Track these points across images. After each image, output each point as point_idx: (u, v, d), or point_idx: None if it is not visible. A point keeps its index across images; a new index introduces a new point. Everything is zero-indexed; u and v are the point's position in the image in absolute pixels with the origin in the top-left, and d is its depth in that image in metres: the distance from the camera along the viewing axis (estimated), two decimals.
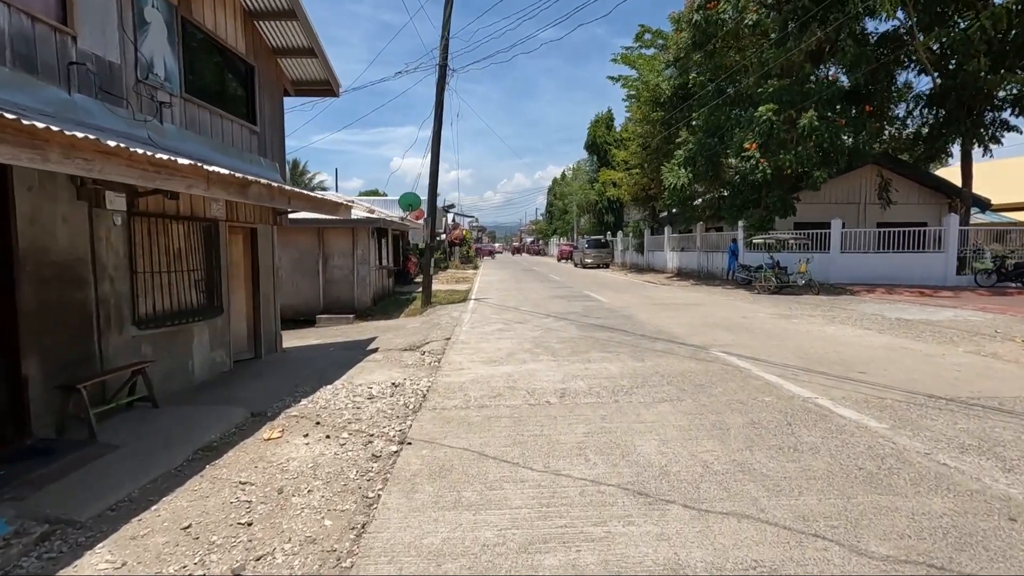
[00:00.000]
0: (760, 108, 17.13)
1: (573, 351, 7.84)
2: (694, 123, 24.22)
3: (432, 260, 14.41)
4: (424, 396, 5.80)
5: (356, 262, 13.81)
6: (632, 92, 28.91)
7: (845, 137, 16.27)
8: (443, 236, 43.28)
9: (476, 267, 38.36)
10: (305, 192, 7.28)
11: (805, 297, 15.73)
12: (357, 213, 13.85)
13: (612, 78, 28.52)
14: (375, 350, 9.10)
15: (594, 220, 45.36)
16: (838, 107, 17.48)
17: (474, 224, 77.97)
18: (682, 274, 26.39)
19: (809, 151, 16.92)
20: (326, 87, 9.73)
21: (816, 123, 16.22)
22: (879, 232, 19.08)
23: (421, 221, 27.80)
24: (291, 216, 13.15)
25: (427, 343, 9.10)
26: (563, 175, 69.88)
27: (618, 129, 42.52)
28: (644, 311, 12.44)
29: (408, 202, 15.98)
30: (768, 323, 10.44)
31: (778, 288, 16.85)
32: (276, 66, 8.83)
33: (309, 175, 62.34)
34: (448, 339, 9.20)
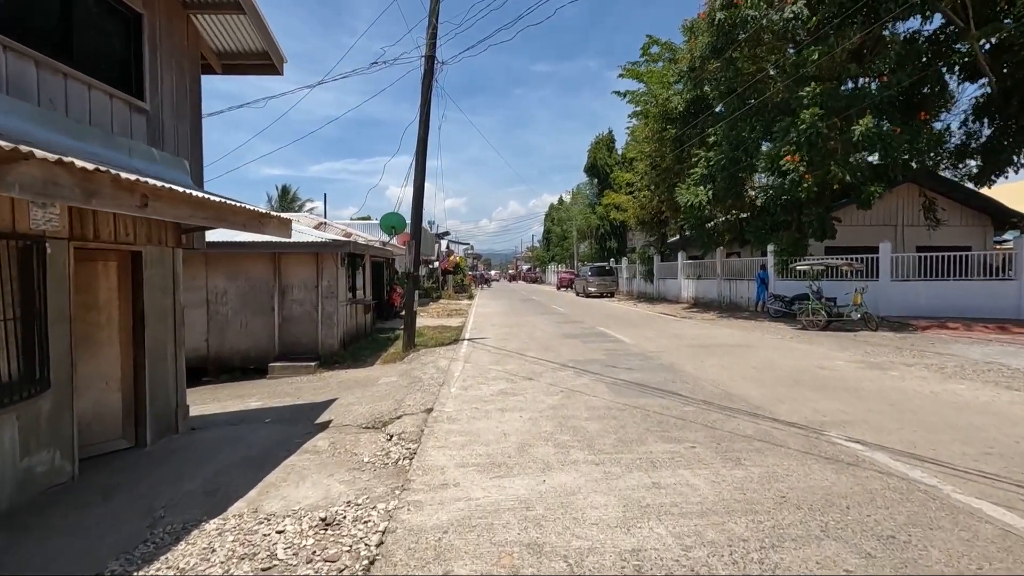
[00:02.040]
0: (803, 114, 14.76)
1: (620, 439, 5.08)
2: (711, 139, 21.96)
3: (415, 292, 11.70)
4: (370, 565, 3.03)
5: (321, 296, 11.09)
6: (640, 109, 26.76)
7: (906, 146, 13.85)
8: (436, 264, 40.71)
9: (471, 296, 35.68)
10: (212, 199, 4.61)
11: (864, 334, 13.07)
12: (302, 230, 11.21)
13: (619, 93, 26.45)
14: (324, 426, 6.32)
15: (596, 246, 42.95)
16: (895, 114, 15.13)
17: (469, 252, 75.64)
18: (700, 304, 23.76)
19: (862, 162, 14.53)
20: (265, 62, 7.17)
21: (873, 130, 13.83)
22: (933, 256, 16.55)
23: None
24: (241, 239, 10.49)
25: (398, 416, 6.32)
26: (560, 200, 67.89)
27: (620, 151, 40.50)
28: (685, 358, 9.72)
29: (391, 224, 13.32)
30: (862, 378, 7.73)
31: (827, 323, 14.22)
32: (187, 25, 6.26)
33: (300, 202, 60.07)
34: (429, 410, 6.42)
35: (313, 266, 11.11)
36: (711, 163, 19.95)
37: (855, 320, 14.12)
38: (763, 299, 19.20)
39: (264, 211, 5.36)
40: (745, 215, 22.65)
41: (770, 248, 19.13)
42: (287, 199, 58.28)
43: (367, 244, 13.35)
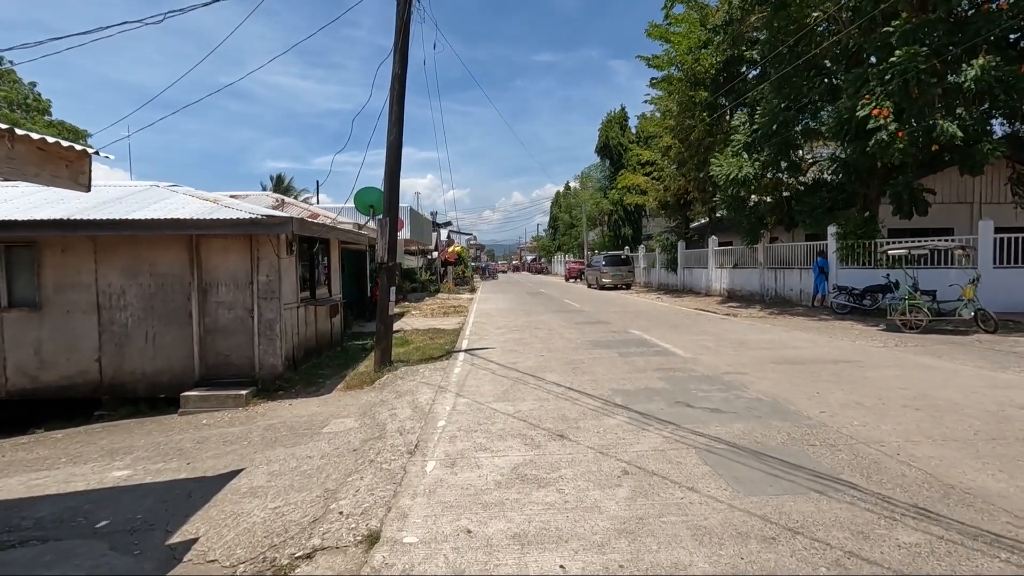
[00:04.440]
0: (896, 53, 11.42)
1: None
2: (755, 100, 18.61)
3: (392, 290, 8.51)
4: None
5: (257, 296, 7.93)
6: (664, 75, 23.34)
7: None
8: (434, 254, 37.49)
9: (473, 290, 32.50)
10: None
11: (990, 339, 9.84)
12: (231, 204, 7.99)
13: (643, 58, 23.00)
14: (174, 559, 3.18)
15: (608, 233, 39.57)
16: (1010, 53, 11.76)
17: (471, 242, 72.39)
18: (737, 298, 20.50)
19: (975, 114, 11.23)
20: None
21: (993, 71, 10.49)
22: None
23: (400, 234, 22.00)
24: (141, 217, 7.34)
25: (312, 550, 3.14)
26: (567, 186, 64.38)
27: (633, 130, 37.06)
28: (784, 385, 6.52)
29: (369, 202, 10.03)
30: None
31: (929, 323, 10.99)
32: None
33: (295, 192, 57.20)
34: (374, 540, 3.24)
35: (246, 255, 7.93)
36: (756, 128, 16.63)
37: (966, 319, 10.89)
38: (823, 292, 15.95)
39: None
40: (787, 193, 19.37)
41: (831, 230, 15.83)
42: (282, 188, 55.32)
43: (331, 225, 10.10)
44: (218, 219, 7.30)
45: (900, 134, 11.59)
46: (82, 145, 3.12)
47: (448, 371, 8.06)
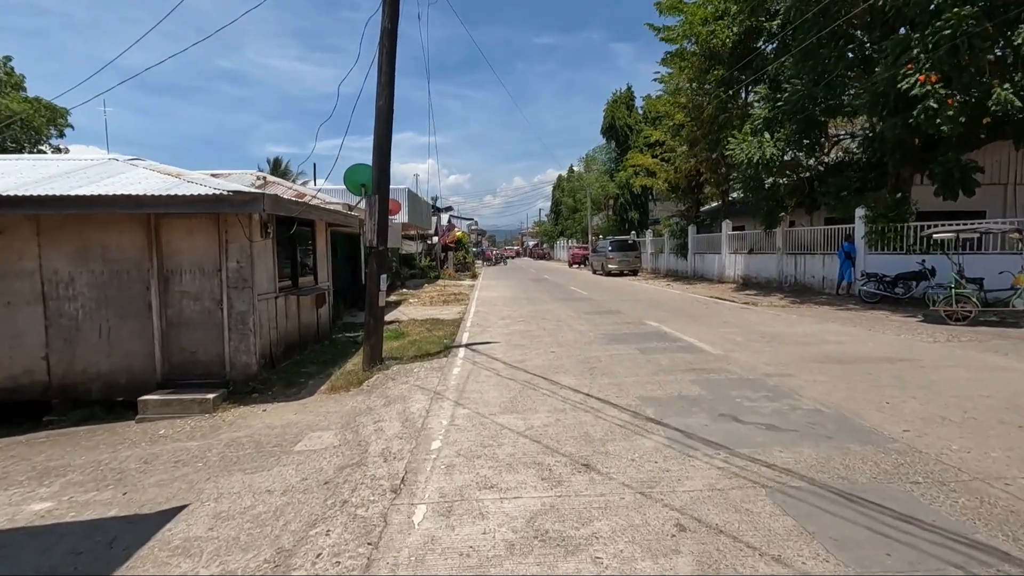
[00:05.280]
0: (946, 14, 10.24)
1: None
2: (778, 74, 17.40)
3: (382, 277, 7.47)
4: None
5: (228, 284, 6.91)
6: (676, 49, 21.99)
7: None
8: (435, 239, 36.37)
9: (474, 276, 31.46)
10: None
11: None
12: (196, 179, 6.87)
13: (654, 28, 21.61)
14: None
15: (614, 217, 38.39)
16: None
17: (473, 227, 71.11)
18: (753, 285, 19.45)
19: None
20: None
21: None
22: None
23: (396, 218, 20.88)
24: (89, 192, 6.30)
25: None
26: (571, 170, 62.95)
27: (640, 111, 35.71)
28: (839, 391, 5.50)
29: (360, 181, 8.88)
30: None
31: (978, 315, 9.96)
32: None
33: (292, 175, 55.96)
34: None
35: (213, 238, 6.88)
36: (779, 103, 15.43)
37: (1018, 309, 9.85)
38: (848, 279, 14.90)
39: None
40: (807, 174, 18.22)
41: (859, 213, 14.73)
42: (279, 172, 54.08)
43: (315, 205, 9.02)
44: (176, 195, 6.23)
45: (950, 101, 10.44)
46: None
47: (446, 371, 7.05)
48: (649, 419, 4.77)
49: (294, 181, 58.10)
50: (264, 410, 6.35)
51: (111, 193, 6.25)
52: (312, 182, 44.66)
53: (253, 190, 6.33)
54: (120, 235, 6.83)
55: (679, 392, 5.62)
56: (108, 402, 6.94)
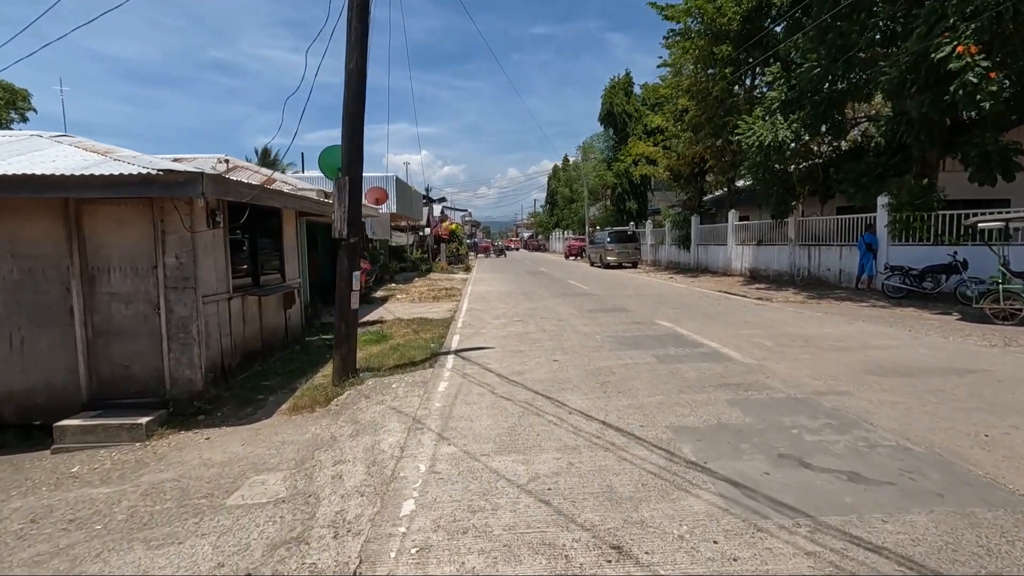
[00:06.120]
0: None
1: None
2: (790, 52, 16.26)
3: (354, 276, 6.31)
4: None
5: (166, 284, 5.74)
6: (680, 28, 20.75)
7: None
8: (426, 231, 35.12)
9: (468, 269, 30.27)
10: None
11: None
12: (124, 157, 5.49)
13: (657, 7, 20.35)
14: None
15: (612, 208, 37.22)
16: None
17: (467, 219, 69.75)
18: (761, 278, 18.39)
19: None
20: None
21: None
22: None
23: (383, 208, 19.64)
24: None
25: None
26: (566, 160, 61.63)
27: (639, 95, 34.49)
28: (919, 415, 4.42)
29: (336, 164, 7.67)
30: None
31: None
32: None
33: (281, 165, 54.52)
34: None
35: (148, 228, 5.69)
36: (796, 82, 14.30)
37: None
38: (870, 272, 13.86)
39: None
40: (821, 160, 17.11)
41: (881, 201, 13.65)
42: (268, 162, 52.57)
43: (278, 190, 7.78)
44: (94, 175, 5.03)
45: (992, 75, 9.35)
46: None
47: (431, 387, 5.91)
48: (689, 463, 3.66)
49: (284, 171, 56.50)
50: (207, 438, 5.20)
51: (13, 173, 5.04)
52: (302, 172, 43.18)
53: (189, 168, 5.14)
54: (33, 226, 5.63)
55: (718, 419, 4.51)
56: (22, 427, 5.77)
